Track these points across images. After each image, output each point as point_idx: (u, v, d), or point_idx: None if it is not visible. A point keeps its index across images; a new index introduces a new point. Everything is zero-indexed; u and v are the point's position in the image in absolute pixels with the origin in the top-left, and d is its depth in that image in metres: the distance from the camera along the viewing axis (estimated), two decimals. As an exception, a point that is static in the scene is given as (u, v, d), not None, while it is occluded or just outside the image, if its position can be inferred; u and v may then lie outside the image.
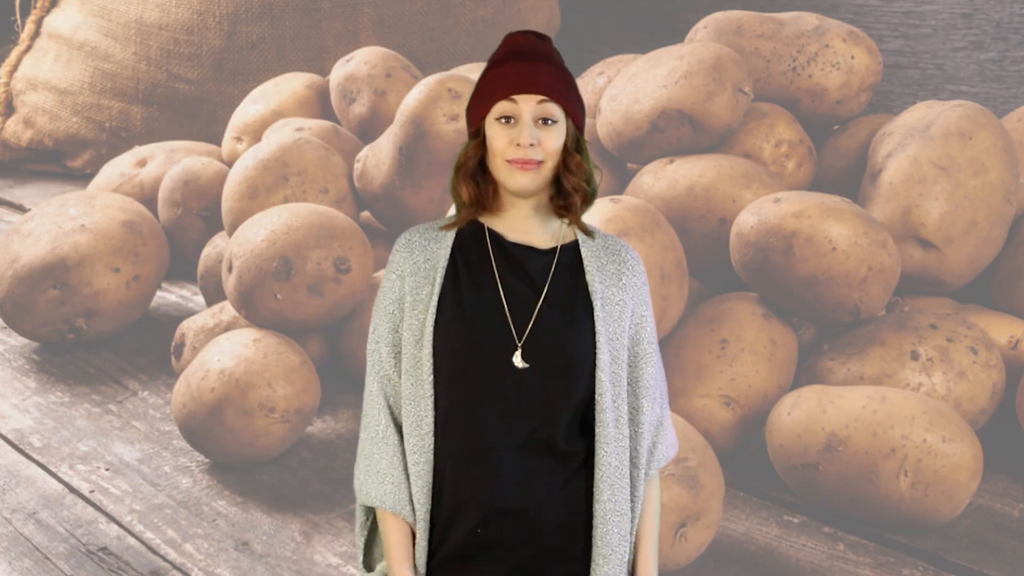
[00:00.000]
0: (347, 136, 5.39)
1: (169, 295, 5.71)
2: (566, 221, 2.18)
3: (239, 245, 4.49)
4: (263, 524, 3.90)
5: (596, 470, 2.13)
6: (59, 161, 7.55)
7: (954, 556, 3.69)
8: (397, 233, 5.12)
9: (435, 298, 2.14)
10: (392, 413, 2.20)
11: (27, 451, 4.36)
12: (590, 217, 4.16)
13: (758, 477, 4.09)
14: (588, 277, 2.16)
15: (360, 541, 2.28)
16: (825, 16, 5.16)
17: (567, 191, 2.13)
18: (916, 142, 4.40)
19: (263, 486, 4.12)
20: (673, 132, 4.64)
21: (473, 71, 5.65)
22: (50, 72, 7.47)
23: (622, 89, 4.82)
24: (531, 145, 2.08)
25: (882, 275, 4.06)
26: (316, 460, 4.27)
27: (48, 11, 7.66)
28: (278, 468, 4.23)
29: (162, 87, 7.11)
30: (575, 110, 2.14)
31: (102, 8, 7.27)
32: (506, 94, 2.10)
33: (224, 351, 4.22)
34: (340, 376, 4.71)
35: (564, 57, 2.22)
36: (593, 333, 2.14)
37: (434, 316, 2.13)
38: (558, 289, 2.15)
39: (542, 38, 2.17)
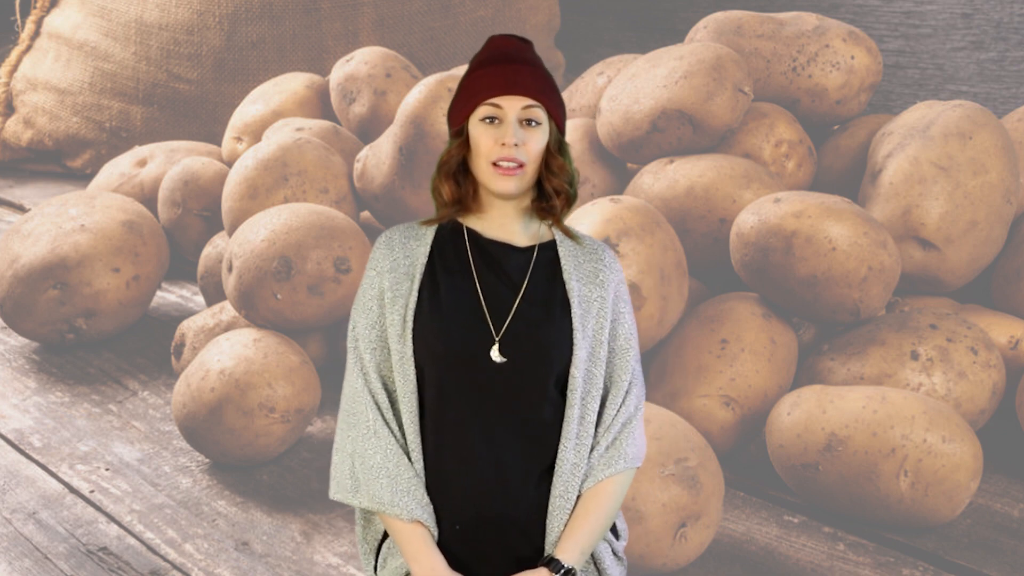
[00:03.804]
0: (347, 136, 5.39)
1: (169, 295, 5.71)
2: (548, 222, 2.20)
3: (239, 245, 4.49)
4: (263, 524, 3.90)
5: (556, 465, 2.15)
6: (59, 161, 7.55)
7: (954, 556, 3.69)
8: (397, 233, 5.12)
9: (414, 295, 2.16)
10: (380, 408, 2.21)
11: (27, 451, 4.36)
12: (591, 216, 4.18)
13: (758, 477, 4.09)
14: (565, 275, 2.18)
15: (368, 547, 2.29)
16: (825, 16, 5.16)
17: (549, 193, 2.15)
18: (916, 142, 4.40)
19: (263, 486, 4.12)
20: (673, 132, 4.64)
21: (473, 71, 5.64)
22: (50, 72, 7.47)
23: (622, 89, 4.82)
24: (516, 145, 2.09)
25: (882, 275, 4.06)
26: (316, 460, 4.27)
27: (48, 11, 7.66)
28: (278, 468, 4.23)
29: (162, 87, 7.11)
30: (558, 113, 2.16)
31: (102, 8, 7.27)
32: (492, 95, 2.11)
33: (224, 351, 4.22)
34: (340, 376, 4.70)
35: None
36: (571, 329, 2.16)
37: (413, 312, 2.15)
38: (536, 286, 2.17)
39: (525, 41, 2.21)
